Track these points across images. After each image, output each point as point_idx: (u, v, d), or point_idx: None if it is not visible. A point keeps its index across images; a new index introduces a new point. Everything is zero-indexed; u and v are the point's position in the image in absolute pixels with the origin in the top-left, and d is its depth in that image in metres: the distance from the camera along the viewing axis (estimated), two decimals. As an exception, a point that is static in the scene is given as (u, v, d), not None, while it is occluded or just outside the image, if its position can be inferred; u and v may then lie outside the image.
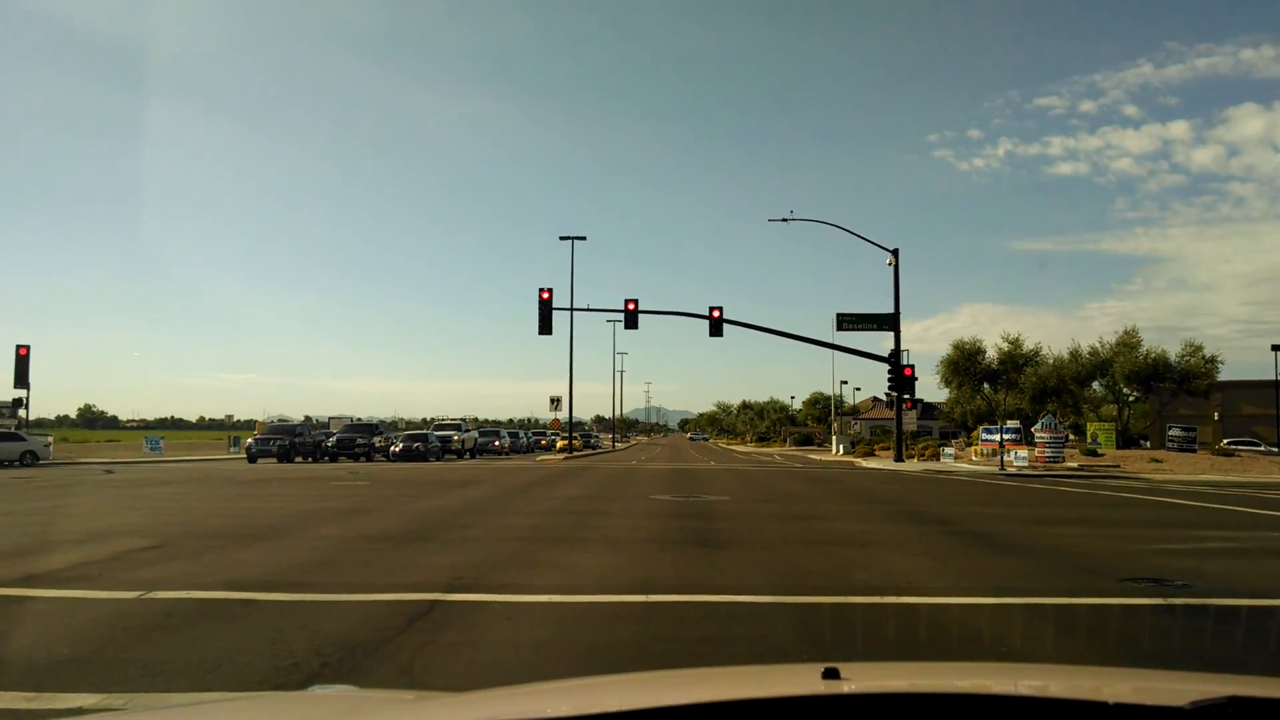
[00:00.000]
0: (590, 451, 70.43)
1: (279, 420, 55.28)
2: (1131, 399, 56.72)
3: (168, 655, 5.86)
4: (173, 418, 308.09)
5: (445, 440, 51.63)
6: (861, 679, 1.94)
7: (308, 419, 61.49)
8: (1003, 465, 37.07)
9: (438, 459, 47.50)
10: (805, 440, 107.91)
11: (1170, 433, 47.69)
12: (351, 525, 13.63)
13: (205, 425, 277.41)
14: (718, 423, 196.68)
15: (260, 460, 42.85)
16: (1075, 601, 7.77)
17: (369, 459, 45.59)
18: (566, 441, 63.63)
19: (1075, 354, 55.91)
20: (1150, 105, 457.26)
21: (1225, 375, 55.69)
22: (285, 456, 43.46)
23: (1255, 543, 12.90)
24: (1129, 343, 53.22)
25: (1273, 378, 62.10)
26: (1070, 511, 17.84)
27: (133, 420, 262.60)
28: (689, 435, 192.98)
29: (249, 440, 46.61)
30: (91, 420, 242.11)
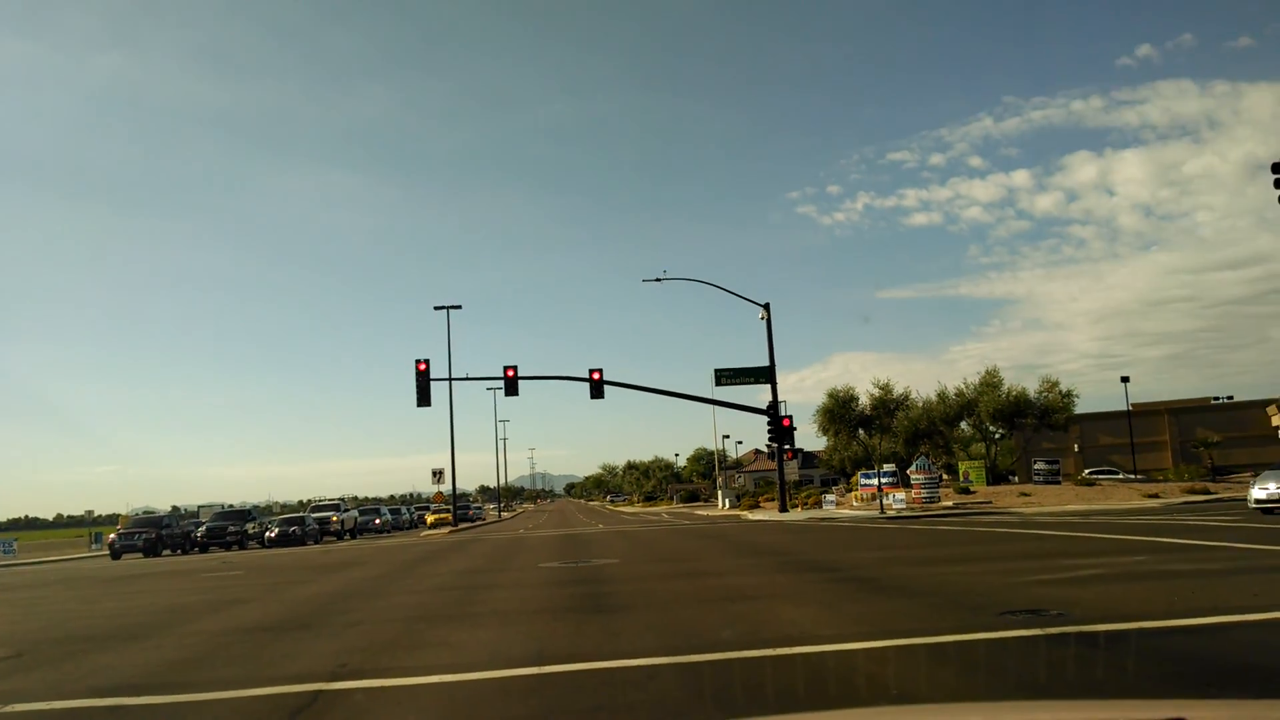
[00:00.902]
0: (473, 524, 69.21)
1: (144, 513, 52.87)
2: (997, 436, 58.91)
3: (25, 775, 5.45)
4: (27, 517, 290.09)
5: (323, 522, 50.12)
6: None
7: (175, 509, 58.97)
8: (882, 508, 37.98)
9: (316, 542, 45.95)
10: (691, 497, 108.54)
11: (1035, 466, 49.77)
12: (226, 618, 13.01)
13: (64, 523, 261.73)
14: (604, 484, 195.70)
15: (125, 556, 40.68)
16: (959, 638, 7.96)
17: (242, 547, 43.78)
18: (445, 515, 62.34)
19: (943, 396, 57.95)
20: (994, 156, 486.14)
21: (1081, 408, 58.33)
22: (152, 550, 41.36)
23: (1123, 568, 13.48)
24: (991, 382, 55.42)
25: (1124, 408, 65.73)
26: (949, 550, 18.34)
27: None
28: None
29: (112, 536, 44.13)
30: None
